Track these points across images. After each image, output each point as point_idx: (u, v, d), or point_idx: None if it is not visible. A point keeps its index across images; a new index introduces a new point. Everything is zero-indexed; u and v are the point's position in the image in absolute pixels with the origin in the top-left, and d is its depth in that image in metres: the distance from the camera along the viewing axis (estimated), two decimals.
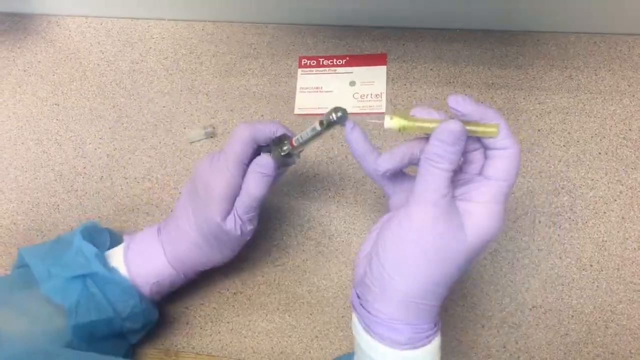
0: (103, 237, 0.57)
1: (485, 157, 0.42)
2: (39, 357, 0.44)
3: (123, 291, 0.52)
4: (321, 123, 0.46)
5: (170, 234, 0.53)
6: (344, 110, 0.45)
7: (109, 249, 0.55)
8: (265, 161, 0.50)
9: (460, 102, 0.40)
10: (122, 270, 0.52)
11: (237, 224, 0.51)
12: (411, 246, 0.39)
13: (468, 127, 0.40)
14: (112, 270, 0.52)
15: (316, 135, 0.47)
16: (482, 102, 0.41)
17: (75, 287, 0.50)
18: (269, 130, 0.51)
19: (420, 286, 0.39)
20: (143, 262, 0.53)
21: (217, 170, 0.50)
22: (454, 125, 0.38)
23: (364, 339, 0.42)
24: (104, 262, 0.52)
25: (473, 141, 0.42)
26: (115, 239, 0.57)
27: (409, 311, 0.40)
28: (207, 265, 0.55)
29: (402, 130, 0.42)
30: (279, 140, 0.51)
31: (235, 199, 0.51)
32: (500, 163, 0.40)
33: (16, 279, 0.53)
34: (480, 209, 0.40)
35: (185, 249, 0.52)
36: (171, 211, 0.55)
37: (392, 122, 0.42)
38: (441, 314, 0.55)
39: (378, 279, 0.41)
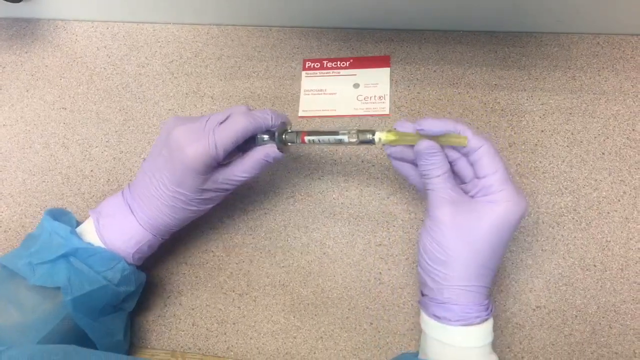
0: (68, 217, 0.57)
1: (471, 163, 0.49)
2: (58, 357, 0.45)
3: (107, 259, 0.52)
4: (352, 135, 0.52)
5: (142, 202, 0.53)
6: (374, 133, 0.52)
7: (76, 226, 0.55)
8: (275, 153, 0.53)
9: (423, 124, 0.48)
10: (99, 244, 0.53)
11: (219, 187, 0.54)
12: (441, 240, 0.47)
13: (440, 140, 0.48)
14: (90, 244, 0.52)
15: (337, 144, 0.54)
16: (445, 117, 0.52)
17: (61, 268, 0.51)
18: (267, 122, 0.53)
19: (459, 271, 0.46)
20: (118, 234, 0.53)
21: (205, 151, 0.50)
22: (421, 145, 0.48)
23: (429, 324, 0.48)
24: (81, 238, 0.53)
25: (451, 151, 0.50)
26: (79, 222, 0.57)
27: (457, 294, 0.46)
28: (182, 225, 0.56)
29: (390, 142, 0.51)
30: (282, 130, 0.54)
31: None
32: (482, 162, 0.48)
33: (0, 274, 0.54)
34: (490, 199, 0.47)
35: (160, 215, 0.53)
36: (137, 177, 0.55)
37: (381, 137, 0.51)
38: None
39: (428, 273, 0.48)
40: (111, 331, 0.55)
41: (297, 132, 0.54)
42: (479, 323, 0.46)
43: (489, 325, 0.47)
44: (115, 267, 0.53)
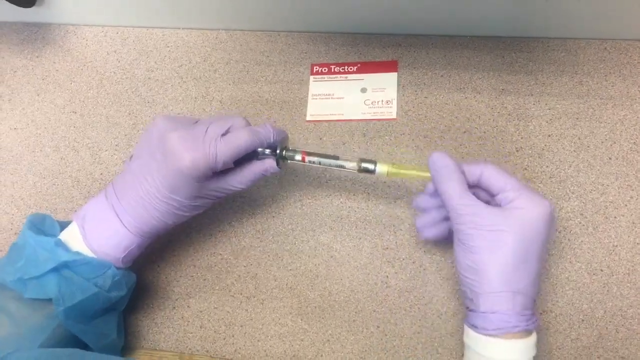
0: (50, 224, 0.56)
1: (484, 190, 0.51)
2: (66, 359, 0.46)
3: (97, 267, 0.52)
4: (353, 163, 0.54)
5: (129, 205, 0.52)
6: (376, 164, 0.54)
7: (60, 230, 0.55)
8: (274, 169, 0.55)
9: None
10: (87, 252, 0.52)
11: (212, 194, 0.54)
12: (470, 248, 0.48)
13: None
14: (78, 254, 0.52)
15: (335, 168, 0.56)
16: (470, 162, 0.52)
17: (51, 279, 0.50)
18: (268, 139, 0.54)
19: (491, 277, 0.47)
20: (106, 240, 0.52)
21: (205, 161, 0.50)
22: (433, 156, 0.51)
23: (469, 335, 0.48)
24: (67, 248, 0.52)
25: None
26: (61, 224, 0.56)
27: (493, 301, 0.47)
28: (170, 228, 0.56)
29: (391, 175, 0.54)
30: (283, 146, 0.56)
31: None
32: (490, 182, 0.50)
33: None
34: (513, 206, 0.48)
35: (150, 219, 0.52)
36: (123, 178, 0.53)
37: (381, 168, 0.54)
38: (451, 318, 0.56)
39: (465, 283, 0.49)
40: (105, 332, 0.55)
41: (298, 151, 0.56)
42: (518, 333, 0.46)
43: (530, 340, 0.47)
44: (106, 273, 0.52)
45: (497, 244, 0.47)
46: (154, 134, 0.52)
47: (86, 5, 0.76)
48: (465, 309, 0.51)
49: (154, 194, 0.51)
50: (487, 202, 0.51)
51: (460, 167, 0.51)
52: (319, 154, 0.56)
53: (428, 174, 0.52)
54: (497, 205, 0.50)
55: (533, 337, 0.47)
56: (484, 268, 0.47)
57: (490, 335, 0.46)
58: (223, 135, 0.52)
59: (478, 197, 0.51)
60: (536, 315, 0.48)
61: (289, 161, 0.56)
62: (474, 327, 0.48)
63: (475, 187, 0.52)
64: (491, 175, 0.50)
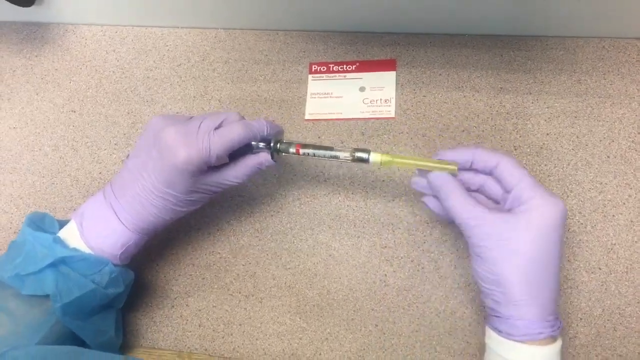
0: (49, 221, 0.56)
1: (498, 181, 0.50)
2: (64, 356, 0.46)
3: (94, 263, 0.52)
4: (347, 153, 0.54)
5: (126, 202, 0.52)
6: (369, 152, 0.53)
7: (59, 229, 0.55)
8: (269, 162, 0.55)
9: (441, 155, 0.52)
10: (84, 249, 0.53)
11: (208, 189, 0.54)
12: (486, 260, 0.47)
13: (430, 168, 0.51)
14: (75, 250, 0.52)
15: (330, 159, 0.55)
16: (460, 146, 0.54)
17: (49, 275, 0.51)
18: (262, 132, 0.54)
19: (513, 287, 0.46)
20: (103, 237, 0.53)
21: (199, 154, 0.50)
22: (430, 177, 0.50)
23: (494, 339, 0.48)
24: (65, 245, 0.52)
25: (478, 176, 0.52)
26: (61, 222, 0.56)
27: (518, 310, 0.46)
28: (167, 225, 0.56)
29: (385, 164, 0.52)
30: (277, 139, 0.56)
31: None
32: (504, 176, 0.49)
33: None
34: (522, 209, 0.47)
35: (146, 215, 0.53)
36: (121, 176, 0.54)
37: (375, 157, 0.52)
38: (449, 317, 0.56)
39: (487, 295, 0.48)
40: (102, 329, 0.55)
41: (292, 143, 0.56)
42: (543, 340, 0.46)
43: (555, 347, 0.46)
44: (103, 270, 0.53)
45: (514, 252, 0.46)
46: (150, 133, 0.53)
47: (85, 4, 0.76)
48: (485, 311, 0.50)
49: (151, 190, 0.52)
50: (496, 201, 0.51)
51: (459, 181, 0.50)
52: (313, 145, 0.55)
53: (422, 162, 0.51)
54: (507, 205, 0.49)
55: (558, 344, 0.46)
56: (504, 279, 0.46)
57: (515, 340, 0.46)
58: (216, 129, 0.52)
59: (484, 202, 0.52)
60: (560, 319, 0.47)
61: (283, 154, 0.56)
62: (497, 330, 0.48)
63: (481, 190, 0.52)
64: (506, 169, 0.48)
